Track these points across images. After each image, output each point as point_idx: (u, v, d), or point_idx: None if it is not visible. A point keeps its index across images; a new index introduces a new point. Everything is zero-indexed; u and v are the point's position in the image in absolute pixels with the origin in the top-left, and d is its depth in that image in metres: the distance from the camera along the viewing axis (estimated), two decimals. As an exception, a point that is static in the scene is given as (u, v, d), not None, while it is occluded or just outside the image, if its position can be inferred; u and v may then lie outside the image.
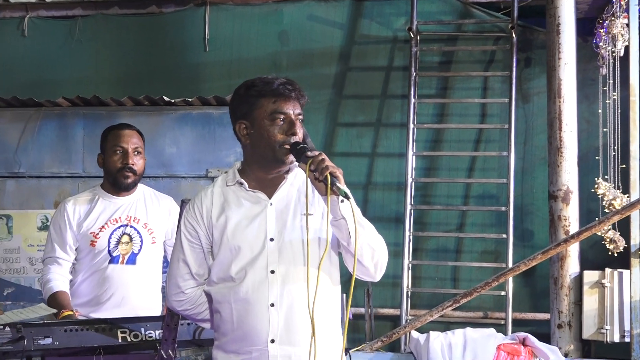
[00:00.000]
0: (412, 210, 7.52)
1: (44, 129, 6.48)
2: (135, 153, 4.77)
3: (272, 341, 3.22)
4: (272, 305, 3.23)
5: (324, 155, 3.16)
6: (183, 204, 3.69)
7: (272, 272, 3.26)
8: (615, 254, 6.54)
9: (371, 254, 3.22)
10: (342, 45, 8.14)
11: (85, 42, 8.29)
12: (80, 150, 6.44)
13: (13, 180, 6.49)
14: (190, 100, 6.32)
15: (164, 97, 6.34)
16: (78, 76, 8.15)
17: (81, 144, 6.45)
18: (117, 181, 4.77)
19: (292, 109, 3.30)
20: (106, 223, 4.78)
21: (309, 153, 3.18)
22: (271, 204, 3.34)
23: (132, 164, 4.74)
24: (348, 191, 3.13)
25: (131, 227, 4.80)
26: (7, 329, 3.90)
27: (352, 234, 3.12)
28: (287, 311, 3.23)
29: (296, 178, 3.38)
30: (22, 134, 6.46)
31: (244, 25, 8.18)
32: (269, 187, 3.37)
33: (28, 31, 8.30)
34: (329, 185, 3.10)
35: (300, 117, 3.33)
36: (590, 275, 6.59)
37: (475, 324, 7.12)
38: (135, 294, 4.81)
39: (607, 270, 6.55)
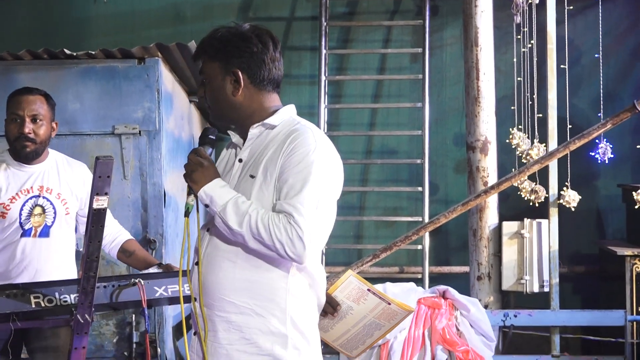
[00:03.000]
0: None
1: None
2: (35, 120, 4.48)
3: (195, 299, 3.12)
4: (197, 263, 3.12)
5: (190, 156, 3.12)
6: (97, 161, 3.53)
7: (208, 230, 3.15)
8: (537, 205, 6.52)
9: (264, 246, 2.99)
10: (243, -6, 7.93)
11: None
12: (-26, 108, 6.05)
13: None
14: (93, 53, 6.00)
15: (65, 50, 5.99)
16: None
17: (-25, 101, 6.05)
18: (16, 150, 4.53)
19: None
20: (17, 193, 4.52)
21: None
22: (240, 160, 3.18)
23: (28, 133, 4.47)
24: (201, 203, 3.08)
25: (44, 197, 4.55)
26: None
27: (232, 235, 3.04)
28: (205, 271, 3.10)
29: (261, 135, 3.16)
30: None
31: (144, -27, 7.90)
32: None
33: None
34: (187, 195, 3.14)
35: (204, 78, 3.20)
36: (509, 226, 6.62)
37: (391, 279, 7.04)
38: (50, 267, 4.56)
39: (526, 221, 6.57)
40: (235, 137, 3.22)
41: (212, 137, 3.18)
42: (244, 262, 3.06)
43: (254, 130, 3.15)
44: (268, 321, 3.05)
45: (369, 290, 3.36)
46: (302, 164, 3.00)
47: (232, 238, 3.03)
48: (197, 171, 3.07)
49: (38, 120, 4.48)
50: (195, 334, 3.14)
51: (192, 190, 3.08)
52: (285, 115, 3.18)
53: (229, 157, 3.24)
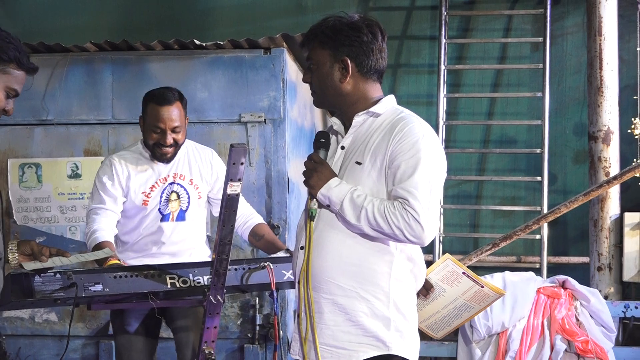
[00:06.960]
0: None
1: (72, 75, 6.27)
2: (176, 131, 4.65)
3: (298, 282, 3.24)
4: (302, 248, 3.24)
5: (305, 163, 3.24)
6: (232, 148, 3.58)
7: (311, 217, 3.25)
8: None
9: (384, 235, 3.12)
10: (364, -16, 7.99)
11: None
12: (109, 97, 6.27)
13: (41, 128, 6.29)
14: (221, 43, 6.15)
15: (195, 41, 6.16)
16: (104, 21, 8.00)
17: (110, 90, 6.27)
18: (154, 154, 4.72)
19: None
20: (156, 182, 4.75)
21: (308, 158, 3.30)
22: (342, 147, 3.29)
23: (170, 144, 4.66)
24: (317, 207, 3.22)
25: (177, 184, 4.77)
26: (58, 275, 3.86)
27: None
28: (313, 255, 3.20)
29: (365, 123, 3.27)
30: (49, 80, 6.26)
31: (267, -34, 8.02)
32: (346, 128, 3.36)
33: (49, -24, 8.11)
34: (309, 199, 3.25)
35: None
36: (631, 217, 6.56)
37: (509, 269, 7.05)
38: (186, 250, 4.80)
39: (649, 212, 6.49)
40: (336, 125, 3.33)
41: (323, 140, 3.29)
42: (351, 248, 3.17)
43: (358, 119, 3.25)
44: (372, 304, 3.16)
45: (464, 273, 3.45)
46: (413, 150, 3.10)
47: (352, 230, 3.15)
48: (313, 177, 3.21)
49: (177, 130, 4.66)
50: (299, 315, 3.26)
51: (312, 197, 3.22)
52: (389, 104, 3.28)
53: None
